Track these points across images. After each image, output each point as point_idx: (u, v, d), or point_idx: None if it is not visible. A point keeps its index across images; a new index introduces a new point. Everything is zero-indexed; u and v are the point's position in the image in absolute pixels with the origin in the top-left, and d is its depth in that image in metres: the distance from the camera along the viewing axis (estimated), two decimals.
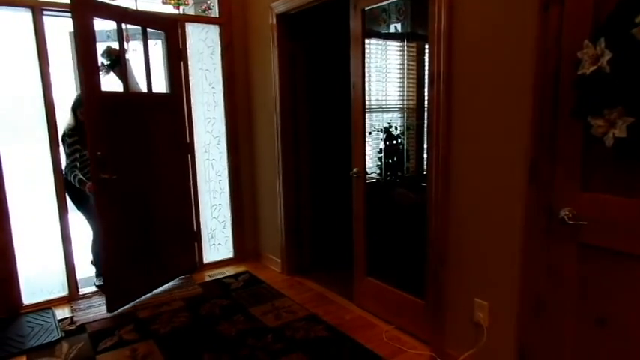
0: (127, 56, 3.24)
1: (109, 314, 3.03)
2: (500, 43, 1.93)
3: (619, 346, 1.65)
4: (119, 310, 3.08)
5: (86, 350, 2.59)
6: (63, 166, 3.21)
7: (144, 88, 3.33)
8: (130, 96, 3.24)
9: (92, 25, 2.86)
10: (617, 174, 1.57)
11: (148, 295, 3.34)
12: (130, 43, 3.36)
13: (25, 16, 2.93)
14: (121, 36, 3.09)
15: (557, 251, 1.78)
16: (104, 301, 3.11)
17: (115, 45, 3.16)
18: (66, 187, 3.22)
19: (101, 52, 3.09)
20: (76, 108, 3.21)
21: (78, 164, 3.19)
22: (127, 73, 3.18)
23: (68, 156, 3.21)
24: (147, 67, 3.29)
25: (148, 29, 3.30)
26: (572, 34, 1.62)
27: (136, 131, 3.24)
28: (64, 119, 3.21)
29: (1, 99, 2.93)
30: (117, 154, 3.04)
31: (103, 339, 2.71)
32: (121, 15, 3.10)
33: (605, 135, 1.52)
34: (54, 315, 3.02)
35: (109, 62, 3.18)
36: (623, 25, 1.44)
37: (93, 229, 3.40)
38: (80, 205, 3.34)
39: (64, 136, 3.20)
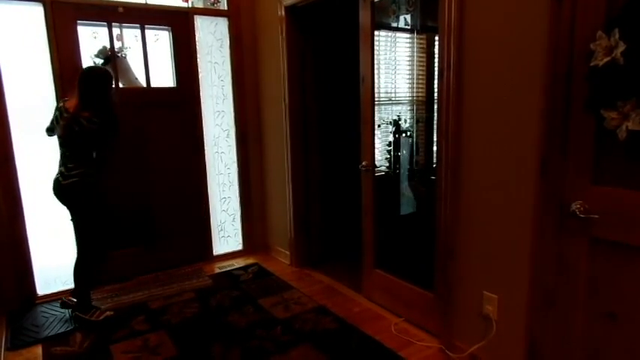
0: (126, 50, 3.22)
1: (123, 305, 3.07)
2: (511, 34, 1.91)
3: (630, 342, 1.64)
4: (131, 302, 3.13)
5: (99, 341, 2.64)
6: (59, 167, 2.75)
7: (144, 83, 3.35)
8: (125, 92, 3.23)
9: (75, 31, 2.75)
10: (630, 167, 1.55)
11: (159, 287, 3.38)
12: (127, 34, 3.32)
13: (36, 9, 2.95)
14: (111, 38, 3.06)
15: (567, 245, 1.76)
16: (117, 292, 3.15)
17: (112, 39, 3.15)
18: (74, 192, 2.73)
19: (95, 53, 3.10)
20: (105, 88, 2.65)
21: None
22: (117, 72, 3.19)
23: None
24: (145, 63, 3.30)
25: (151, 24, 3.29)
26: (586, 24, 1.59)
27: (137, 126, 3.24)
28: None
29: (13, 92, 2.95)
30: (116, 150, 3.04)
31: (115, 329, 2.75)
32: (112, 16, 2.98)
33: (618, 127, 1.50)
34: None
35: (102, 62, 3.18)
36: (638, 15, 1.41)
37: (80, 246, 2.86)
38: (86, 210, 2.79)
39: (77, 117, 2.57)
